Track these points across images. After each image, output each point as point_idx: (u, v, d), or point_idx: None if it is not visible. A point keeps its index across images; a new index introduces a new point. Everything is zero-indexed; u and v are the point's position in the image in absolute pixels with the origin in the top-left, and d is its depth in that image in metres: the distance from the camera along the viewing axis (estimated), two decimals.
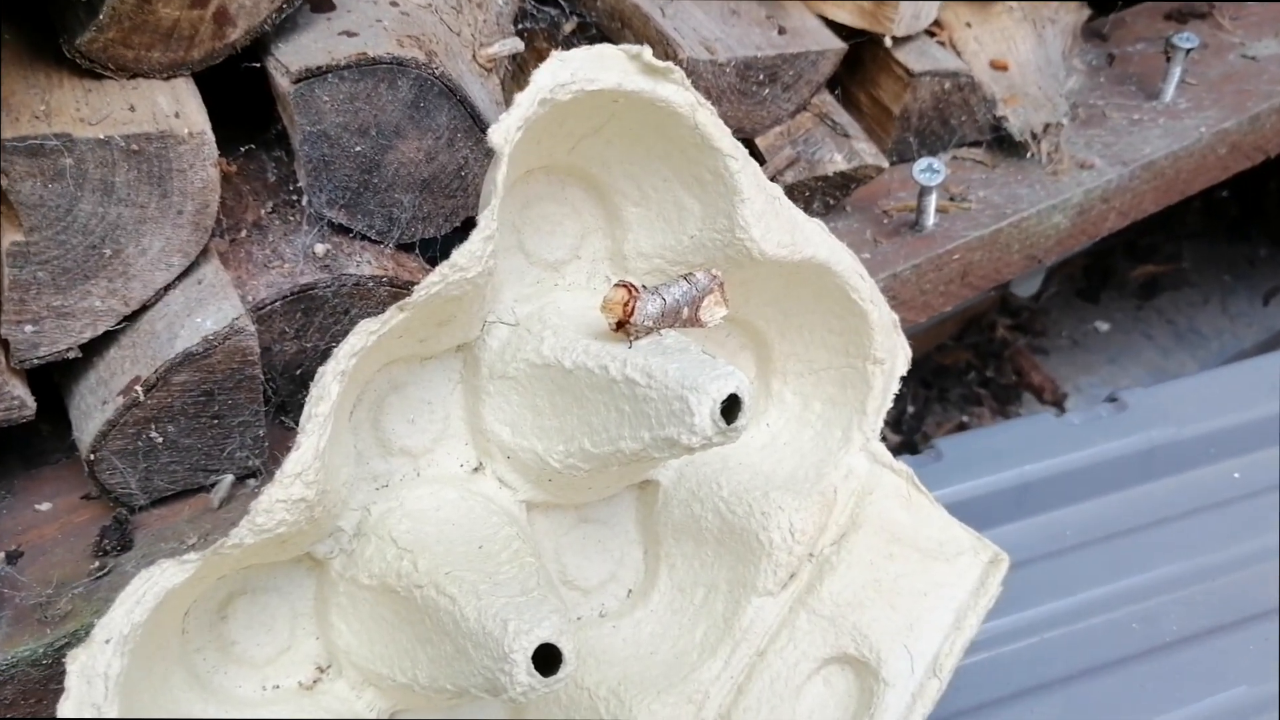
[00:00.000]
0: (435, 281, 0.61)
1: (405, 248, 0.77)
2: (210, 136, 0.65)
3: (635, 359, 0.65)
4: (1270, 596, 0.86)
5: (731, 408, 0.63)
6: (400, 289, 0.74)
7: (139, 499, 0.67)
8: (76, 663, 0.55)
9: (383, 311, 0.62)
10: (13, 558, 0.64)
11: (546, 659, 0.58)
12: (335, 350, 0.60)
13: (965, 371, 1.43)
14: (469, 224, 0.74)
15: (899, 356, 0.78)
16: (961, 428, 1.34)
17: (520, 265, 0.74)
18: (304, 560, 0.69)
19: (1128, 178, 1.04)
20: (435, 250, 0.78)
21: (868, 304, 0.75)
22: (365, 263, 0.73)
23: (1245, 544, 0.86)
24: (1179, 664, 0.79)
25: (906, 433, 1.33)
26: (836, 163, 0.92)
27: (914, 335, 1.06)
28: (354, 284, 0.70)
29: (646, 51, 0.68)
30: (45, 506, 0.67)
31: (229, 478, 0.70)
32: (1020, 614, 0.81)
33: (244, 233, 0.72)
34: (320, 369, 0.60)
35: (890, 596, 0.74)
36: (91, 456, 0.64)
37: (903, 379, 0.80)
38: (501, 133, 0.64)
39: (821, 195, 0.94)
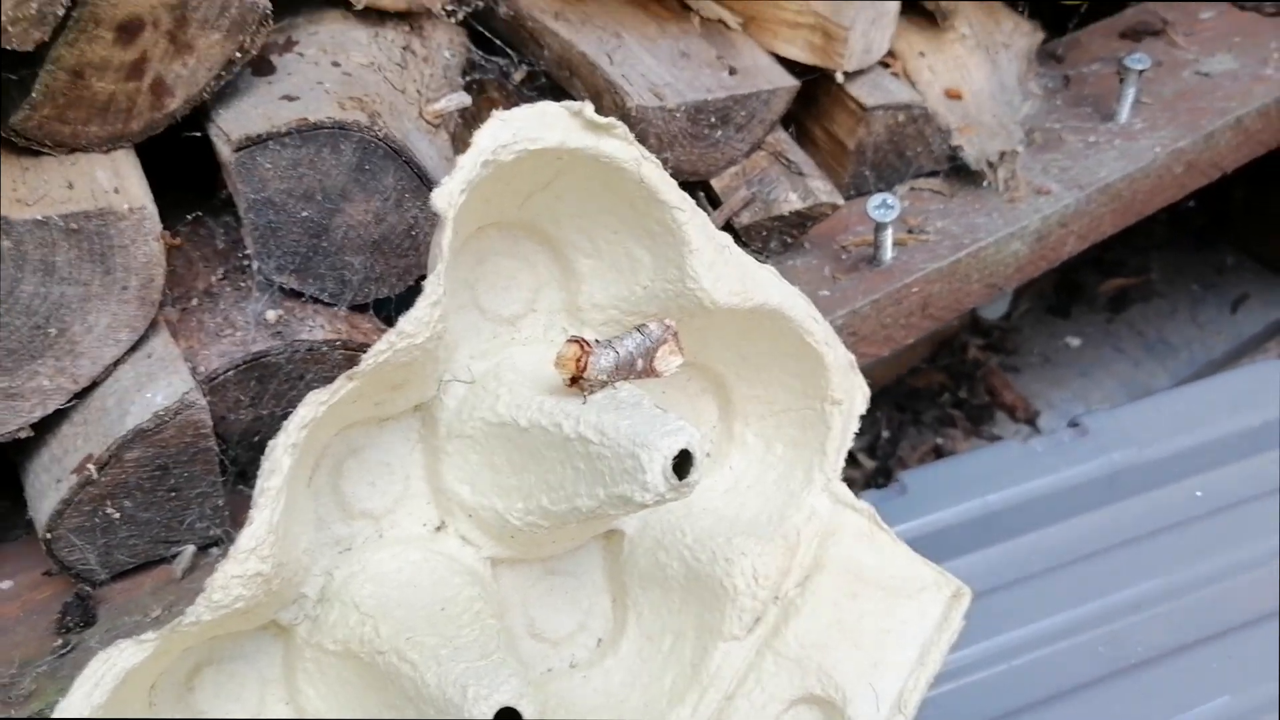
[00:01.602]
0: (383, 349, 0.61)
1: (359, 308, 0.77)
2: (152, 210, 0.64)
3: (588, 416, 0.65)
4: (1236, 611, 0.86)
5: (683, 463, 0.63)
6: (355, 351, 0.74)
7: (99, 574, 0.66)
8: None
9: (336, 377, 0.62)
10: None
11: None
12: (285, 423, 0.60)
13: (939, 394, 1.42)
14: (421, 281, 0.74)
15: (857, 396, 0.78)
16: (937, 450, 1.34)
17: (475, 321, 0.74)
18: (270, 627, 0.68)
19: (1085, 201, 1.04)
20: (390, 309, 0.77)
21: (823, 346, 0.75)
22: (318, 327, 0.73)
23: (1209, 561, 0.86)
24: (1146, 683, 0.80)
25: (881, 458, 1.33)
26: (792, 202, 0.92)
27: (885, 361, 1.05)
28: (307, 350, 0.70)
29: (588, 108, 0.68)
30: (6, 584, 0.67)
31: (191, 548, 0.70)
32: (987, 642, 0.81)
33: (195, 300, 0.72)
34: (271, 442, 0.60)
35: (855, 636, 0.74)
36: (49, 535, 0.64)
37: (871, 407, 0.79)
38: (445, 197, 0.63)
39: (779, 234, 0.94)
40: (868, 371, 0.81)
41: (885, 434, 1.36)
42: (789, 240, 0.94)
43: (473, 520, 0.72)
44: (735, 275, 0.72)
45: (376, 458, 0.71)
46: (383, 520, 0.72)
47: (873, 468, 1.33)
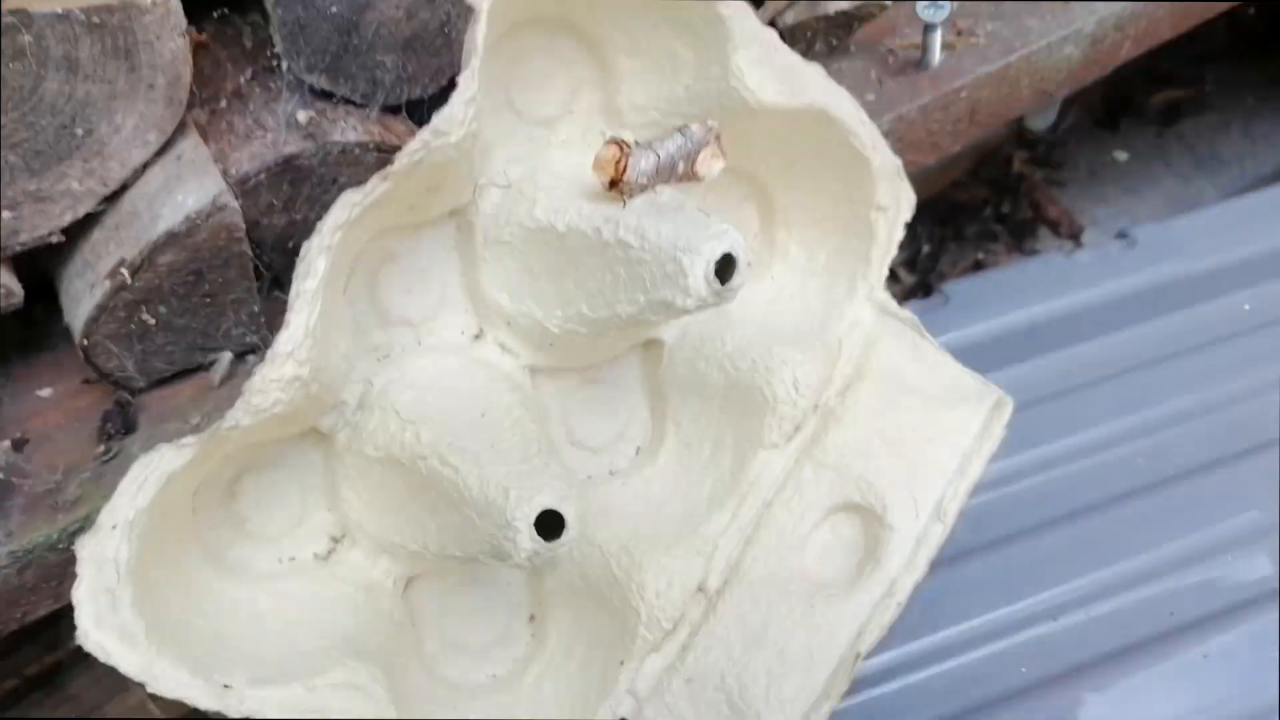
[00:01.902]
0: (416, 149, 0.60)
1: (392, 110, 0.75)
2: (176, 4, 0.62)
3: (628, 220, 0.64)
4: (1276, 426, 0.85)
5: (726, 267, 0.62)
6: (388, 154, 0.72)
7: (138, 381, 0.66)
8: (86, 549, 0.56)
9: (369, 180, 0.60)
10: (19, 445, 0.64)
11: (550, 524, 0.58)
12: (319, 225, 0.59)
13: (981, 208, 1.39)
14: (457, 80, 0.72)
15: (903, 203, 0.76)
16: (978, 266, 1.32)
17: (511, 124, 0.73)
18: (310, 434, 0.68)
19: (1142, 3, 0.99)
20: (423, 112, 0.75)
21: (869, 150, 0.73)
22: (350, 129, 0.71)
23: (1254, 375, 0.85)
24: (1186, 494, 0.79)
25: (921, 273, 1.32)
26: (839, 1, 0.88)
27: (927, 173, 1.03)
28: (340, 151, 0.69)
29: None
30: (46, 392, 0.66)
31: (228, 355, 0.69)
32: (1027, 453, 0.81)
33: (224, 103, 0.70)
34: (305, 244, 0.59)
35: (895, 445, 0.74)
36: (85, 341, 0.63)
37: (912, 221, 0.78)
38: None
39: (824, 35, 0.90)
40: (911, 182, 0.79)
41: (926, 249, 1.33)
42: (834, 42, 0.91)
43: (511, 328, 0.72)
44: (781, 74, 0.71)
45: (413, 264, 0.71)
46: (421, 327, 0.72)
47: (913, 282, 1.31)
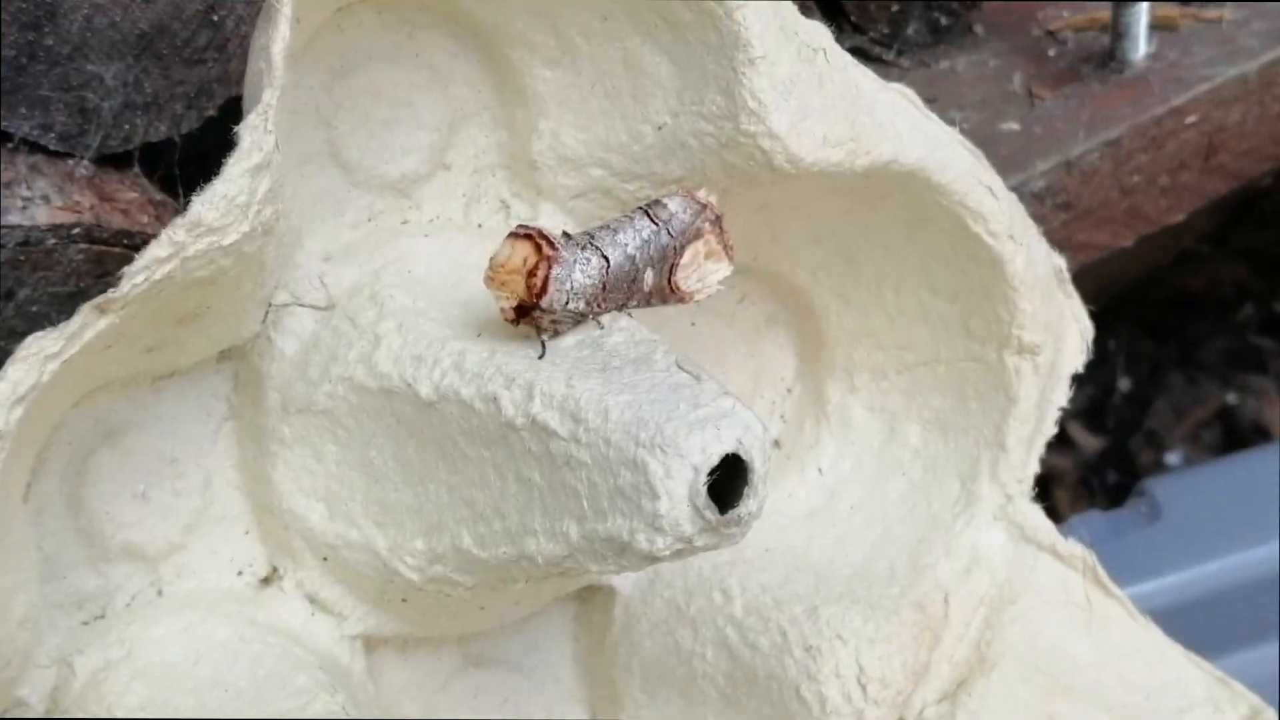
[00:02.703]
0: (161, 258, 0.63)
1: (116, 161, 0.76)
2: None
3: (551, 384, 0.65)
4: None
5: (731, 478, 0.62)
6: (108, 247, 0.74)
7: None
8: None
9: (74, 301, 0.64)
10: None
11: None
12: None
13: (1232, 305, 1.41)
14: (232, 110, 0.72)
15: (1068, 337, 0.78)
16: (1225, 419, 1.33)
17: (335, 187, 0.75)
18: None
19: None
20: (173, 162, 0.77)
21: (1003, 241, 0.75)
22: (39, 200, 0.72)
23: None
24: None
25: (1115, 433, 1.33)
26: None
27: (1126, 256, 1.04)
28: (19, 244, 0.71)
29: None
30: None
31: None
32: None
33: None
34: None
35: None
36: None
37: (1099, 332, 0.80)
38: None
39: (923, 13, 0.94)
40: (1096, 271, 0.81)
41: (1125, 385, 1.37)
42: (942, 22, 0.94)
43: (329, 567, 0.74)
44: (834, 107, 0.72)
45: (151, 446, 0.73)
46: (163, 563, 0.73)
47: (1098, 451, 1.33)
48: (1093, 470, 1.32)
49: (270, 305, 0.72)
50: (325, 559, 0.74)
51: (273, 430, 0.73)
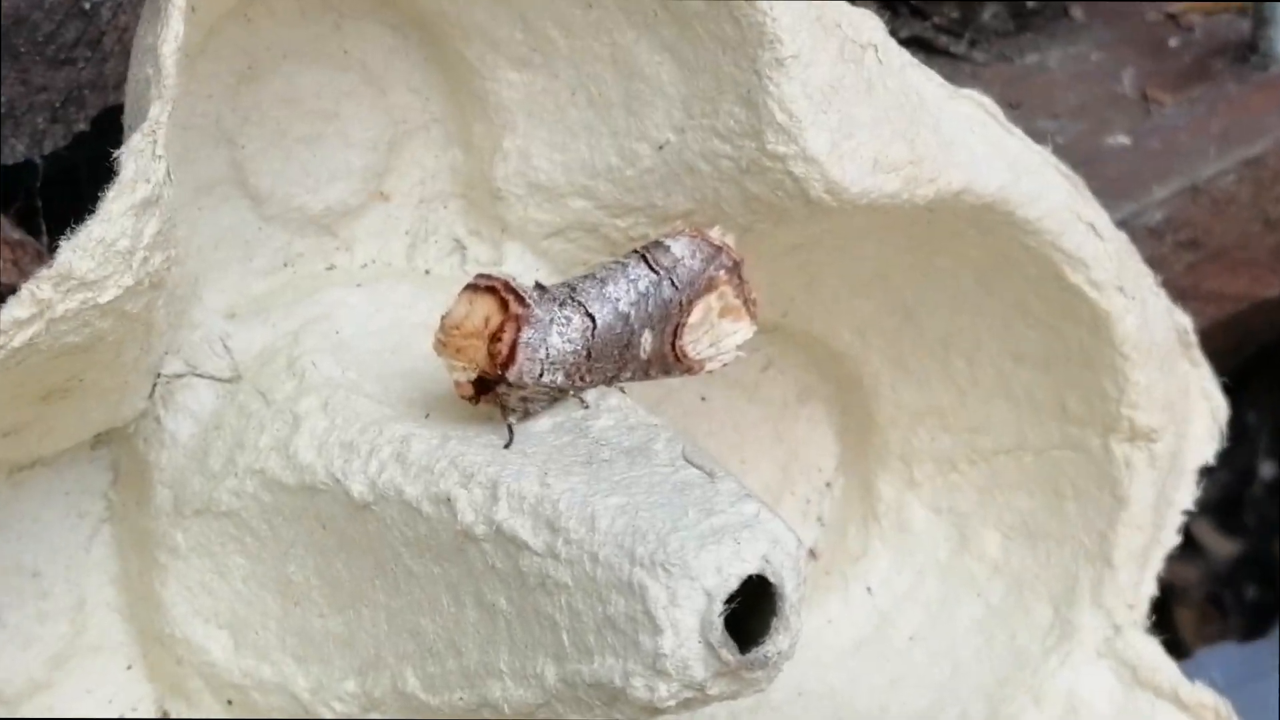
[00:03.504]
0: (21, 319, 0.63)
1: None
2: None
3: (521, 481, 0.66)
4: None
5: (757, 607, 0.63)
6: None
7: None
8: None
9: None
10: None
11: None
12: None
13: None
14: (109, 123, 0.74)
15: (1194, 416, 0.79)
16: None
17: (242, 225, 0.76)
18: None
19: None
20: (34, 190, 0.78)
21: (1109, 292, 0.76)
22: None
23: None
24: None
25: (1256, 533, 1.33)
26: None
27: (1267, 310, 1.04)
28: None
29: None
30: None
31: None
32: None
33: None
34: None
35: None
36: None
37: (1231, 422, 0.80)
38: None
39: None
40: (1230, 331, 0.84)
41: (1267, 472, 1.33)
42: (1029, 4, 0.96)
43: (236, 712, 0.74)
44: (887, 118, 0.74)
45: (7, 556, 0.74)
46: (24, 706, 0.74)
47: (1233, 558, 1.34)
48: (1226, 584, 1.31)
49: (159, 377, 0.72)
50: (230, 702, 0.74)
51: (163, 537, 0.73)
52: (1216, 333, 0.84)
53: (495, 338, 0.67)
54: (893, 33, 0.79)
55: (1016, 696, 0.78)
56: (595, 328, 0.69)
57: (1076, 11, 0.93)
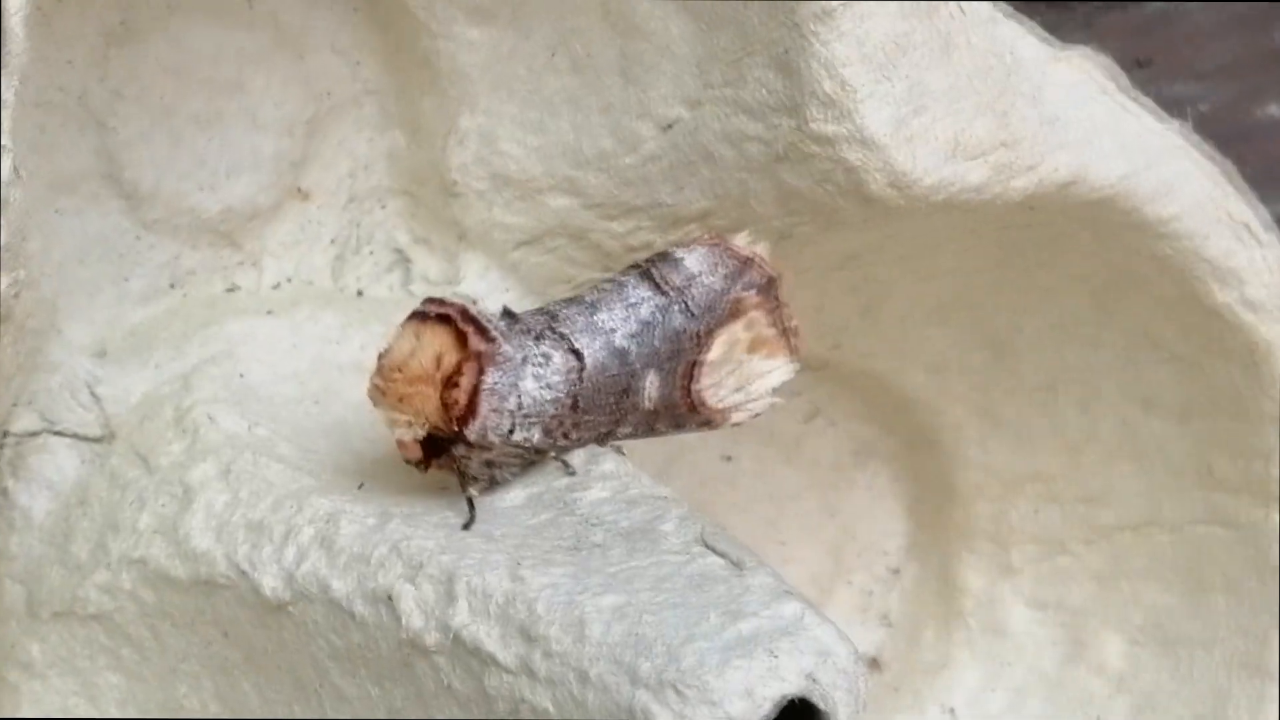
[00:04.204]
0: None
1: None
2: None
3: (485, 575, 0.65)
4: None
5: None
6: None
7: None
8: None
9: None
10: None
11: None
12: None
13: None
14: None
15: None
16: None
17: (115, 233, 0.76)
18: None
19: None
20: None
21: (1269, 316, 0.76)
22: None
23: None
24: None
25: None
26: None
27: None
28: None
29: None
30: None
31: None
32: None
33: None
34: None
35: None
36: None
37: None
38: None
39: None
40: None
41: None
42: None
43: None
44: (970, 87, 0.74)
45: None
46: None
47: None
48: None
49: (5, 436, 0.72)
50: None
51: (12, 648, 0.73)
52: None
53: (450, 383, 0.67)
54: None
55: None
56: (583, 369, 0.69)
57: None
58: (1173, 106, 0.78)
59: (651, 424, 0.70)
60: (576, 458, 0.69)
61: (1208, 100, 0.88)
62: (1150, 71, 0.89)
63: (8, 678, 0.73)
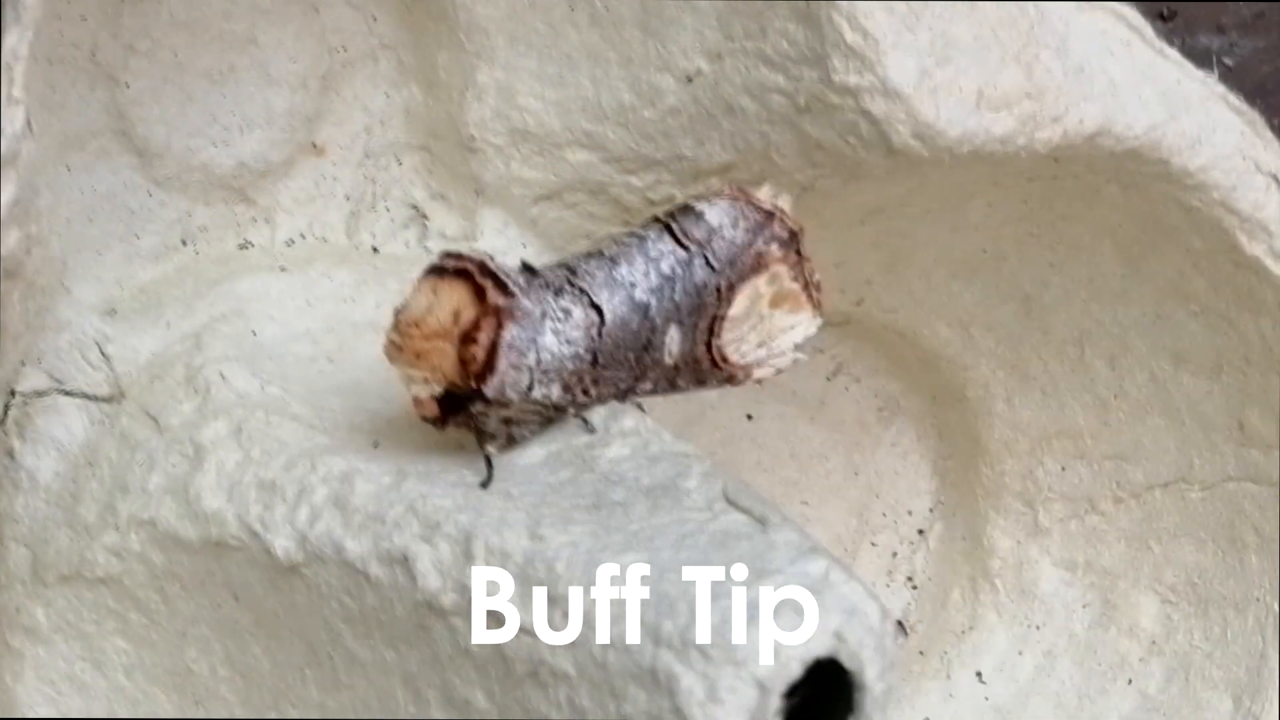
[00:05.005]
0: None
1: None
2: None
3: (504, 534, 0.65)
4: None
5: (824, 699, 0.62)
6: None
7: None
8: None
9: None
10: None
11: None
12: None
13: None
14: None
15: None
16: None
17: (126, 190, 0.75)
18: None
19: None
20: None
21: None
22: None
23: None
24: None
25: None
26: None
27: None
28: None
29: None
30: None
31: None
32: None
33: None
34: None
35: None
36: None
37: None
38: None
39: None
40: None
41: None
42: None
43: None
44: (996, 37, 0.73)
45: None
46: None
47: None
48: None
49: (12, 395, 0.71)
50: None
51: (16, 612, 0.72)
52: None
53: (468, 338, 0.66)
54: None
55: None
56: (603, 324, 0.68)
57: None
58: (1198, 59, 0.78)
59: (673, 380, 0.69)
60: (596, 415, 0.68)
61: (1233, 54, 0.88)
62: (1175, 24, 0.89)
63: (12, 643, 0.73)
